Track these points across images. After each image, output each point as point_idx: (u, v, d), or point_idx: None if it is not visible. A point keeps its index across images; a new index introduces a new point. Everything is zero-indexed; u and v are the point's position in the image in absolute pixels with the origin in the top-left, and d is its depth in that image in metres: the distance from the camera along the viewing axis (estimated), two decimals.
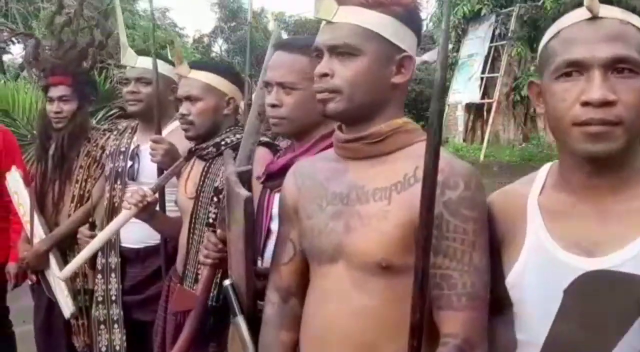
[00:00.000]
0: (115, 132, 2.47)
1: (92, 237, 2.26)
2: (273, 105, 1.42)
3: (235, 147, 1.89)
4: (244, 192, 1.15)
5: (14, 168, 2.60)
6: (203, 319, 1.58)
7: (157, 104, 2.14)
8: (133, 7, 15.48)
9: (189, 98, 1.87)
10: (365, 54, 1.06)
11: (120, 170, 2.31)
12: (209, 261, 1.54)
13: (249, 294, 1.23)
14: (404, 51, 1.10)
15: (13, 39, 15.82)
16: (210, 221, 1.84)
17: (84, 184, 2.55)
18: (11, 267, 2.66)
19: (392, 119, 1.11)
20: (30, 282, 2.61)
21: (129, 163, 2.29)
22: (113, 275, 2.25)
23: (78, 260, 1.83)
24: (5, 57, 16.61)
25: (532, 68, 11.93)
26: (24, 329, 3.31)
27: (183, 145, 2.12)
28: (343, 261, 1.11)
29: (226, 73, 1.95)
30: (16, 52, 17.92)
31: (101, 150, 2.57)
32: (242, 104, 1.98)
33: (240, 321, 1.22)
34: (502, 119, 12.16)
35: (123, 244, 2.26)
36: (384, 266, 1.04)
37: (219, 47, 24.40)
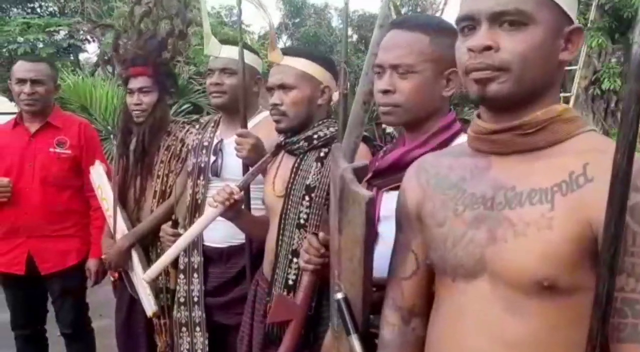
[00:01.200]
0: (197, 126, 2.37)
1: (175, 235, 2.18)
2: (385, 92, 1.24)
3: (327, 142, 1.74)
4: (365, 193, 0.98)
5: (97, 162, 2.55)
6: (302, 330, 1.43)
7: (243, 95, 2.01)
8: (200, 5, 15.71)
9: (282, 87, 1.72)
10: (538, 24, 0.87)
11: (203, 165, 2.20)
12: (310, 266, 1.39)
13: (366, 310, 1.06)
14: (573, 22, 0.91)
15: (89, 37, 16.43)
16: (302, 222, 1.69)
17: (165, 179, 2.47)
18: (91, 264, 2.63)
19: (550, 105, 0.91)
20: (112, 279, 2.56)
21: (212, 158, 2.18)
22: (195, 275, 2.15)
23: (163, 261, 1.73)
24: (82, 56, 17.28)
25: (613, 60, 11.23)
26: (101, 324, 3.30)
27: (269, 139, 1.99)
28: (487, 278, 0.92)
29: (321, 60, 1.79)
30: (92, 50, 18.64)
31: (181, 143, 2.48)
32: (335, 94, 1.81)
33: (355, 341, 1.06)
34: (581, 114, 11.48)
35: (206, 243, 2.15)
36: (546, 286, 0.84)
37: (283, 43, 24.50)
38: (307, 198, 1.68)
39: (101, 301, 3.25)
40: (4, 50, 15.26)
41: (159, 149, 2.49)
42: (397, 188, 1.24)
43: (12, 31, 14.23)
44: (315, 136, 1.73)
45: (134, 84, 2.41)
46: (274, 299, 1.52)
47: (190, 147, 2.31)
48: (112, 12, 15.94)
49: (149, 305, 2.35)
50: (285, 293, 1.66)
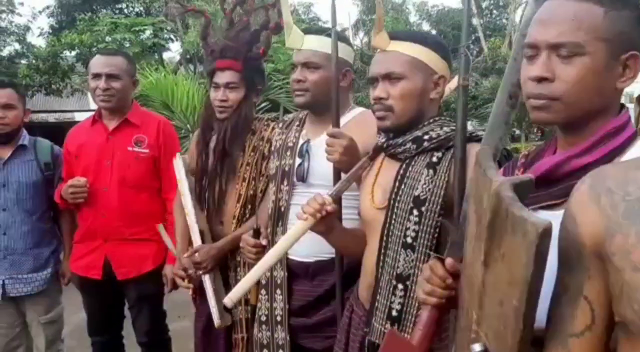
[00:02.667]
0: (281, 125, 2.14)
1: (256, 246, 1.97)
2: (540, 80, 0.93)
3: (440, 144, 1.45)
4: (537, 221, 0.69)
5: (178, 155, 2.39)
6: None
7: (335, 90, 1.75)
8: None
9: (388, 77, 1.45)
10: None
11: (287, 168, 1.97)
12: (432, 300, 1.11)
13: None
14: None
15: (172, 36, 16.86)
16: (409, 240, 1.41)
17: (253, 182, 2.24)
18: (168, 270, 2.47)
19: None
20: (191, 292, 2.38)
21: (298, 161, 1.94)
22: (279, 292, 1.92)
23: (246, 282, 1.50)
24: (165, 55, 17.79)
25: None
26: (178, 326, 3.17)
27: (362, 140, 1.72)
28: None
29: (435, 44, 1.49)
30: (175, 49, 19.17)
31: (268, 144, 2.26)
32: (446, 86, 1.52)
33: None
34: None
35: (291, 257, 1.91)
36: None
37: (360, 41, 24.22)
38: (415, 212, 1.40)
39: (179, 301, 3.13)
40: (93, 49, 15.97)
41: (244, 150, 2.28)
42: (547, 207, 0.94)
43: (101, 31, 14.84)
44: (426, 137, 1.45)
45: (221, 78, 2.22)
46: (386, 337, 1.25)
47: (273, 148, 2.08)
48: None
49: (216, 316, 2.17)
50: (388, 326, 1.39)
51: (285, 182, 1.96)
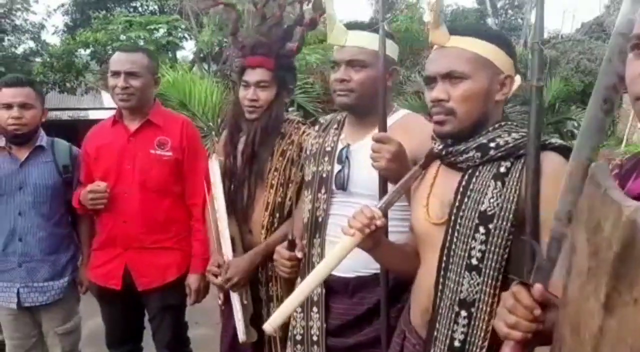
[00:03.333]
0: (317, 128, 1.99)
1: (291, 259, 1.83)
2: None
3: (509, 153, 1.29)
4: None
5: (214, 156, 2.25)
6: None
7: (383, 91, 1.60)
8: None
9: (449, 76, 1.29)
10: None
11: (325, 175, 1.82)
12: (517, 334, 0.96)
13: None
14: None
15: (186, 34, 16.78)
16: (474, 262, 1.25)
17: (281, 189, 2.11)
18: (192, 280, 2.33)
19: None
20: (220, 301, 2.23)
21: (337, 167, 1.79)
22: (315, 309, 1.77)
23: (288, 307, 1.35)
24: (178, 54, 17.72)
25: None
26: (196, 334, 3.03)
27: (409, 145, 1.57)
28: None
29: (500, 40, 1.33)
30: (189, 48, 19.10)
31: (298, 148, 2.12)
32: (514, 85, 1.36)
33: None
34: None
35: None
36: None
37: None
38: (481, 230, 1.24)
39: (197, 308, 2.98)
40: (108, 47, 15.92)
41: (272, 154, 2.14)
42: None
43: (116, 29, 14.78)
44: (492, 145, 1.29)
45: (251, 76, 2.07)
46: None
47: (308, 152, 1.93)
48: (209, 10, 16.21)
49: (241, 331, 2.04)
50: None
51: (323, 190, 1.81)
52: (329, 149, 1.85)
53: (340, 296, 1.74)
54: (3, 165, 2.34)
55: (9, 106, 2.29)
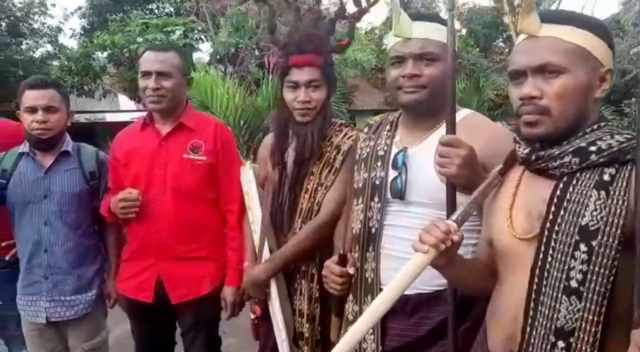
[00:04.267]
0: (366, 130, 1.82)
1: (343, 275, 1.67)
2: None
3: (614, 158, 1.11)
4: None
5: (248, 163, 2.10)
6: None
7: (452, 88, 1.43)
8: None
9: (542, 70, 1.12)
10: None
11: (378, 182, 1.65)
12: None
13: None
14: None
15: (203, 36, 16.73)
16: (574, 284, 1.08)
17: (313, 194, 1.97)
18: (228, 293, 2.18)
19: None
20: (252, 315, 2.09)
21: (391, 173, 1.63)
22: (370, 330, 1.60)
23: (355, 333, 1.19)
24: (194, 56, 17.65)
25: None
26: (226, 344, 2.88)
27: (476, 148, 1.41)
28: None
29: (600, 29, 1.16)
30: (205, 49, 19.05)
31: (335, 150, 1.98)
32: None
33: None
34: None
35: (384, 287, 1.59)
36: None
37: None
38: (583, 247, 1.07)
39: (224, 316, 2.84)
40: (125, 50, 15.92)
41: None
42: None
43: (133, 31, 14.76)
44: (593, 148, 1.11)
45: (300, 75, 1.92)
46: None
47: (357, 156, 1.77)
48: (226, 11, 16.13)
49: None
50: None
51: (377, 199, 1.65)
52: (381, 153, 1.68)
53: (398, 315, 1.58)
54: (27, 173, 2.21)
55: (33, 110, 2.16)
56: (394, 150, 1.66)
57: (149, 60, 2.16)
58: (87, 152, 2.33)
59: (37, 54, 20.92)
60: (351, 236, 1.72)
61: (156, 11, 19.45)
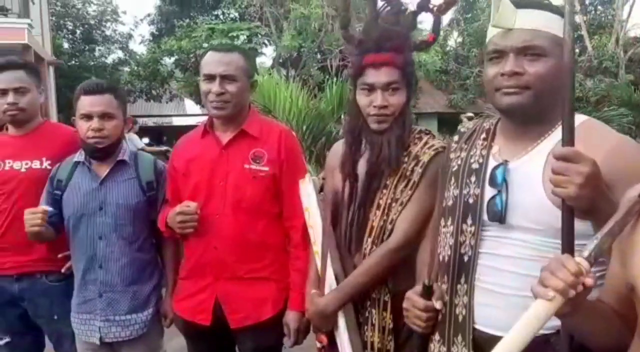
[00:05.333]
0: (456, 138, 1.56)
1: (427, 310, 1.41)
2: None
3: None
4: None
5: (308, 176, 1.89)
6: None
7: (570, 85, 1.15)
8: None
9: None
10: None
11: (472, 201, 1.39)
12: None
13: None
14: None
15: (266, 41, 16.81)
16: None
17: (386, 210, 1.73)
18: (291, 318, 1.97)
19: None
20: (318, 345, 1.87)
21: (489, 191, 1.36)
22: None
23: None
24: (257, 60, 17.74)
25: None
26: None
27: (600, 160, 1.13)
28: None
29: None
30: (268, 53, 19.17)
31: (414, 161, 1.73)
32: None
33: None
34: None
35: (478, 326, 1.35)
36: None
37: (454, 40, 23.20)
38: None
39: None
40: (191, 55, 16.22)
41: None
42: None
43: (199, 37, 15.01)
44: None
45: (376, 77, 1.70)
46: None
47: (448, 169, 1.52)
48: (289, 15, 16.15)
49: None
50: None
51: (470, 221, 1.39)
52: (476, 166, 1.42)
53: None
54: (82, 183, 2.09)
55: (88, 116, 2.03)
56: (492, 163, 1.39)
57: (212, 62, 1.97)
58: (145, 161, 2.19)
59: (109, 60, 21.77)
60: (438, 263, 1.46)
61: (221, 17, 19.77)
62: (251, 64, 2.08)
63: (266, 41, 17.59)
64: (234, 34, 15.62)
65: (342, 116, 5.81)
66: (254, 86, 2.09)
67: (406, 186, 1.72)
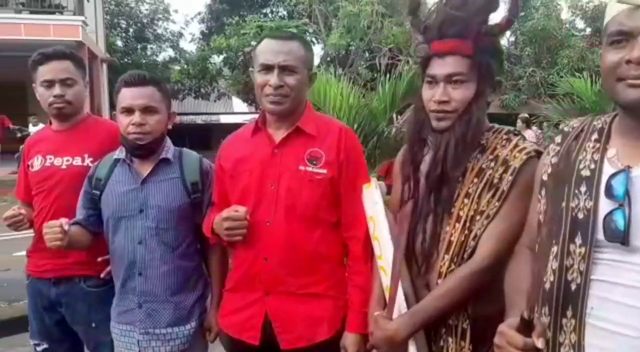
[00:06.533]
0: (558, 139, 1.30)
1: (526, 348, 1.15)
2: None
3: None
4: None
5: (374, 180, 1.67)
6: None
7: None
8: None
9: None
10: None
11: (582, 216, 1.13)
12: None
13: None
14: None
15: (314, 39, 16.64)
16: None
17: (468, 224, 1.48)
18: (350, 342, 1.74)
19: None
20: None
21: (605, 204, 1.10)
22: None
23: None
24: None
25: None
26: None
27: None
28: None
29: None
30: (316, 52, 19.02)
31: (502, 167, 1.48)
32: None
33: None
34: None
35: None
36: None
37: (507, 39, 22.50)
38: None
39: None
40: (239, 53, 16.22)
41: (464, 174, 1.51)
42: None
43: (248, 34, 14.97)
44: None
45: (440, 67, 1.49)
46: None
47: (545, 177, 1.26)
48: (338, 12, 15.93)
49: None
50: None
51: (579, 241, 1.13)
52: (586, 173, 1.16)
53: None
54: (122, 183, 1.92)
55: (129, 110, 1.86)
56: (608, 170, 1.13)
57: (271, 50, 1.75)
58: (190, 160, 2.00)
59: (160, 58, 22.11)
60: (538, 290, 1.21)
61: (270, 15, 19.76)
62: (311, 54, 1.85)
63: (314, 39, 17.42)
64: (283, 31, 15.52)
65: (394, 116, 5.53)
66: (313, 79, 1.87)
67: (493, 195, 1.47)
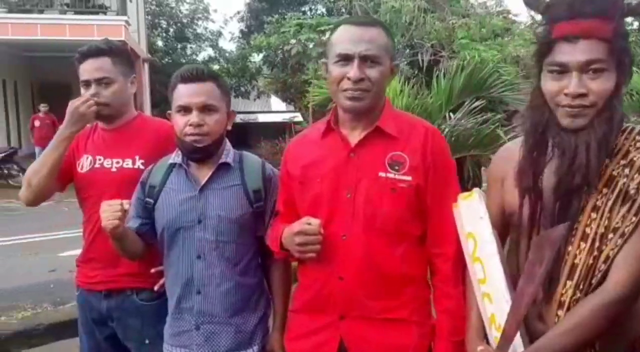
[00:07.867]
0: None
1: None
2: None
3: None
4: None
5: (477, 191, 1.43)
6: None
7: None
8: None
9: None
10: None
11: None
12: None
13: None
14: None
15: None
16: None
17: (597, 243, 1.23)
18: None
19: None
20: None
21: None
22: None
23: None
24: None
25: None
26: None
27: None
28: None
29: None
30: None
31: (638, 174, 1.21)
32: None
33: None
34: None
35: None
36: None
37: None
38: None
39: None
40: (279, 51, 16.10)
41: (589, 185, 1.26)
42: None
43: (287, 32, 14.83)
44: None
45: (572, 54, 1.25)
46: None
47: None
48: (379, 8, 15.63)
49: None
50: None
51: None
52: None
53: None
54: (179, 191, 1.73)
55: (186, 109, 1.67)
56: None
57: (350, 38, 1.51)
58: (252, 165, 1.79)
59: (200, 57, 22.23)
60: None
61: (309, 13, 19.60)
62: (393, 42, 1.61)
63: None
64: (323, 28, 15.33)
65: (449, 114, 5.22)
66: (395, 72, 1.63)
67: (629, 209, 1.21)
